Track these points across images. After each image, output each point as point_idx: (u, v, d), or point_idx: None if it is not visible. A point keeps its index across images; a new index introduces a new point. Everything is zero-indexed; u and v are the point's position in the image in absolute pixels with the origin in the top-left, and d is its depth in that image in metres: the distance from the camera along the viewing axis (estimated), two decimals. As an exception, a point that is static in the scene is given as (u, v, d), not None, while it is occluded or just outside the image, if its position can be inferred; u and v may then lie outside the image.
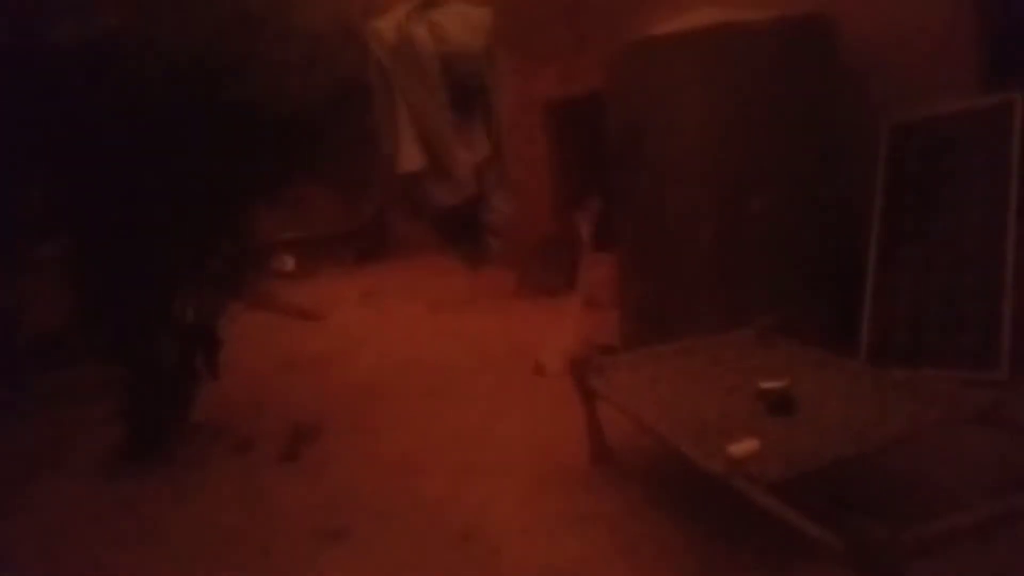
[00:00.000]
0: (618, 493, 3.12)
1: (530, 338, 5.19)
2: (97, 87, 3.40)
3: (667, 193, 4.06)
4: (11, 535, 3.30)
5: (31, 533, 3.32)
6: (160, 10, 3.48)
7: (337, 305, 6.91)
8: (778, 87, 3.89)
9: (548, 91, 6.45)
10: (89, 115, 3.51)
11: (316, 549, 2.96)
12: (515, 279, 6.56)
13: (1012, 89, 3.72)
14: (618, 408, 3.09)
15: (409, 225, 8.37)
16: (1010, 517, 2.05)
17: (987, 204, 3.71)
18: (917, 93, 4.07)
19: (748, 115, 3.89)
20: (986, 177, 3.74)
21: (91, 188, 3.79)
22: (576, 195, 5.65)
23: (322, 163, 4.55)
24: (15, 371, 4.91)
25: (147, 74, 3.42)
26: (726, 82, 3.90)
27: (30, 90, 3.42)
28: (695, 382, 3.07)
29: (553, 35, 6.62)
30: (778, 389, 2.78)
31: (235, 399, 4.50)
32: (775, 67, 3.89)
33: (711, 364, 3.22)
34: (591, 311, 5.13)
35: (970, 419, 2.58)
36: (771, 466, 2.30)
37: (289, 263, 8.06)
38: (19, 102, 3.44)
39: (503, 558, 2.78)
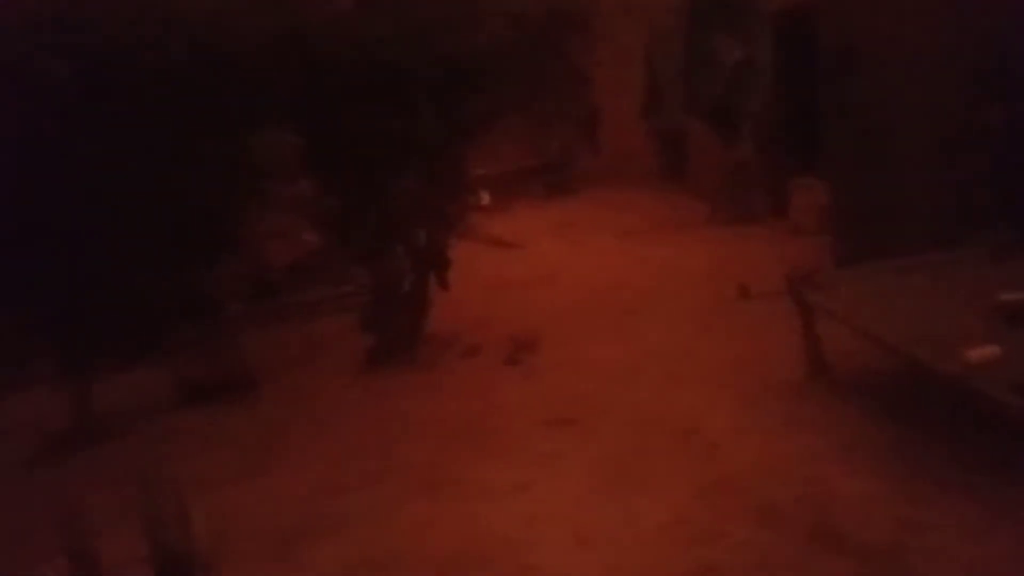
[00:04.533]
0: (833, 402, 3.30)
1: (730, 263, 5.32)
2: (347, 53, 3.98)
3: (889, 106, 3.99)
4: (285, 417, 4.07)
5: (302, 416, 4.08)
6: None
7: (532, 236, 7.39)
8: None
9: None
10: (341, 76, 4.10)
11: (547, 434, 3.43)
12: (709, 207, 6.63)
13: None
14: (840, 322, 3.23)
15: (597, 158, 8.64)
16: None
17: None
18: None
19: (982, 17, 3.69)
20: None
21: (340, 136, 4.42)
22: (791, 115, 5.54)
23: (526, 101, 4.93)
24: (272, 290, 5.84)
25: (388, 36, 3.96)
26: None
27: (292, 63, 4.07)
28: (925, 296, 3.13)
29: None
30: (1019, 300, 2.78)
31: (458, 315, 5.09)
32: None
33: (940, 279, 3.26)
34: (798, 236, 5.15)
35: None
36: (1013, 369, 2.37)
37: (485, 197, 8.63)
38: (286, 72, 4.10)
39: (722, 451, 3.10)
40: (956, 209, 3.83)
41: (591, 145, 8.59)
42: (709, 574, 2.45)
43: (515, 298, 5.60)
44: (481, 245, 7.03)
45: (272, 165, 4.65)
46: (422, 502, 3.07)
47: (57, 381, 4.10)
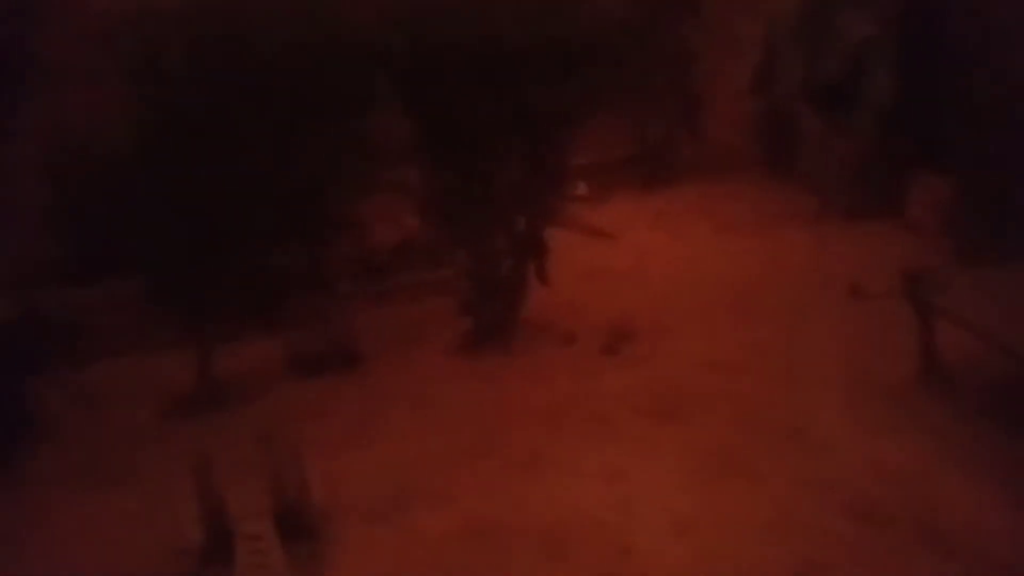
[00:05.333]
0: (947, 407, 3.20)
1: (840, 260, 5.17)
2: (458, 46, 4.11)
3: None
4: (388, 392, 4.26)
5: (404, 391, 4.27)
6: None
7: (629, 226, 7.35)
8: None
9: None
10: (451, 60, 4.24)
11: (646, 423, 3.48)
12: (820, 200, 6.41)
13: None
14: (965, 326, 3.11)
15: (699, 148, 8.50)
16: None
17: None
18: None
19: None
20: None
21: (447, 121, 4.56)
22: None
23: (631, 87, 4.93)
24: (376, 270, 6.08)
25: (499, 19, 4.07)
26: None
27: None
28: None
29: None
30: None
31: (553, 302, 5.17)
32: None
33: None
34: (916, 233, 4.95)
35: None
36: None
37: (581, 187, 8.64)
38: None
39: (828, 450, 3.07)
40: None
41: (693, 134, 8.45)
42: (810, 571, 2.45)
43: (611, 288, 5.63)
44: (577, 234, 7.07)
45: (380, 149, 4.86)
46: (521, 480, 3.19)
47: (182, 346, 4.45)
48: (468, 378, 4.36)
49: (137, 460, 3.68)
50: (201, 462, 2.83)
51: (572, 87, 4.48)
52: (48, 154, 3.97)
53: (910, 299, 3.34)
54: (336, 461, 3.49)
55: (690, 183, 8.82)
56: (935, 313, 3.26)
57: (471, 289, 4.90)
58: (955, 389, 3.30)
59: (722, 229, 6.74)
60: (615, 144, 9.14)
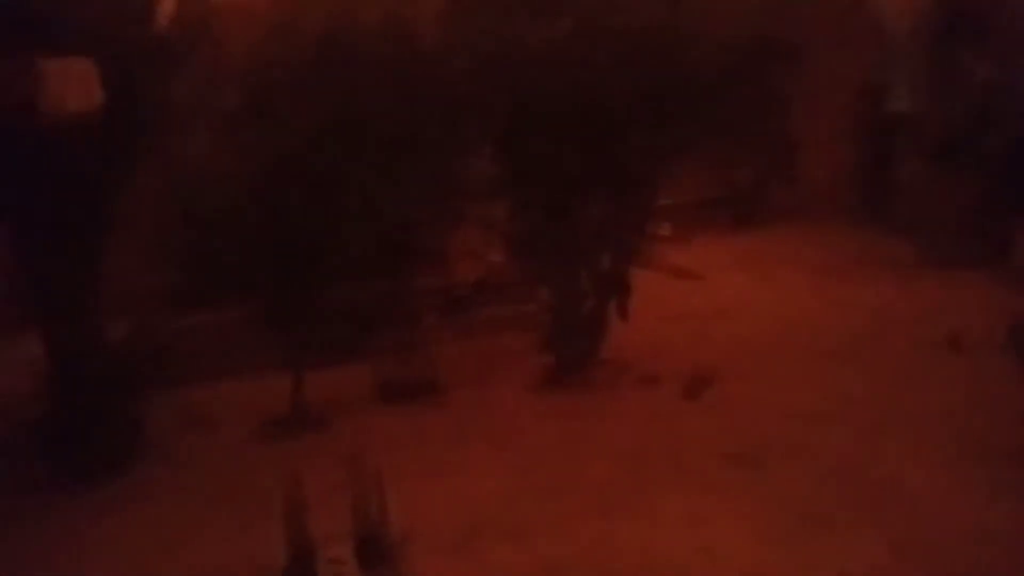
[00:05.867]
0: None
1: (938, 309, 4.95)
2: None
3: None
4: (469, 424, 4.33)
5: (484, 424, 4.33)
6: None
7: (716, 268, 7.26)
8: None
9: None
10: (546, 103, 4.36)
11: (728, 470, 3.40)
12: (918, 246, 6.16)
13: None
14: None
15: (791, 190, 8.34)
16: None
17: None
18: None
19: None
20: None
21: (537, 161, 4.66)
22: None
23: (722, 131, 4.91)
24: (460, 304, 6.21)
25: (597, 65, 4.16)
26: None
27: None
28: None
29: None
30: None
31: (634, 342, 5.15)
32: None
33: None
34: (1018, 284, 4.68)
35: None
36: None
37: (666, 227, 8.58)
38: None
39: (921, 510, 2.92)
40: None
41: (785, 176, 8.28)
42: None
43: (694, 330, 5.56)
44: (662, 274, 7.03)
45: (467, 185, 5.02)
46: (597, 520, 3.17)
47: (277, 371, 4.67)
48: (547, 415, 4.38)
49: (232, 479, 3.87)
50: (289, 484, 2.96)
51: (663, 134, 4.52)
52: (165, 188, 4.31)
53: (1015, 352, 3.16)
54: (415, 490, 3.56)
55: (780, 227, 8.64)
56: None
57: (552, 325, 4.95)
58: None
59: (812, 274, 6.56)
60: (702, 185, 9.07)
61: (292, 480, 2.97)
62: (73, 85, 3.78)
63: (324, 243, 4.36)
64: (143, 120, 4.25)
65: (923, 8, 5.38)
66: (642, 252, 5.39)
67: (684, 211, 9.03)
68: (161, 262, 4.59)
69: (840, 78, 7.27)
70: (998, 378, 3.32)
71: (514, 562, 2.97)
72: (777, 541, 2.87)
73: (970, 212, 5.71)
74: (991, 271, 5.37)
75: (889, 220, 7.12)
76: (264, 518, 3.08)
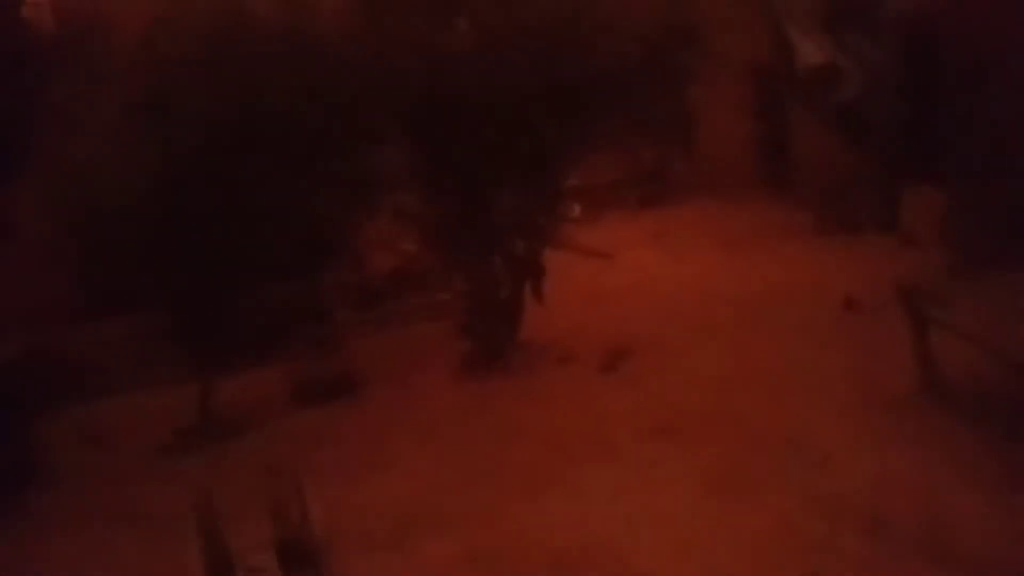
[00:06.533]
0: (946, 417, 3.22)
1: (835, 274, 5.20)
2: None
3: (1019, 116, 3.82)
4: (390, 419, 4.27)
5: (405, 418, 4.27)
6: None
7: (625, 246, 7.38)
8: None
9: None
10: (455, 100, 4.30)
11: (647, 441, 3.48)
12: (815, 215, 6.45)
13: None
14: (960, 337, 3.13)
15: (692, 169, 8.58)
16: None
17: None
18: None
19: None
20: None
21: (448, 152, 4.60)
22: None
23: (629, 118, 4.98)
24: (375, 297, 6.10)
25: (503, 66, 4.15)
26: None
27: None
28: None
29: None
30: None
31: (551, 323, 5.19)
32: None
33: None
34: (909, 247, 4.98)
35: None
36: None
37: (575, 209, 8.66)
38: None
39: (830, 463, 3.07)
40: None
41: (687, 154, 8.51)
42: (817, 585, 2.44)
43: (609, 307, 5.65)
44: (573, 255, 7.10)
45: (381, 178, 4.91)
46: (525, 503, 3.18)
47: (184, 379, 4.45)
48: (468, 402, 4.36)
49: (139, 497, 3.67)
50: (201, 497, 2.82)
51: (569, 119, 4.54)
52: (56, 193, 4.01)
53: (905, 311, 3.36)
54: (339, 490, 3.47)
55: (686, 202, 8.88)
56: (930, 325, 3.28)
57: (469, 312, 4.92)
58: (954, 399, 3.31)
59: (718, 246, 6.77)
60: (610, 166, 9.19)
61: (203, 492, 2.83)
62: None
63: (229, 244, 4.17)
64: (24, 120, 3.94)
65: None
66: (554, 234, 5.43)
67: (593, 192, 9.14)
68: (55, 273, 4.31)
69: (735, 59, 7.51)
70: (889, 334, 3.51)
71: (446, 553, 2.94)
72: (698, 506, 2.95)
73: (861, 181, 6.03)
74: (882, 235, 5.68)
75: (788, 191, 7.43)
76: (175, 536, 2.92)
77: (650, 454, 3.39)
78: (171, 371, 4.63)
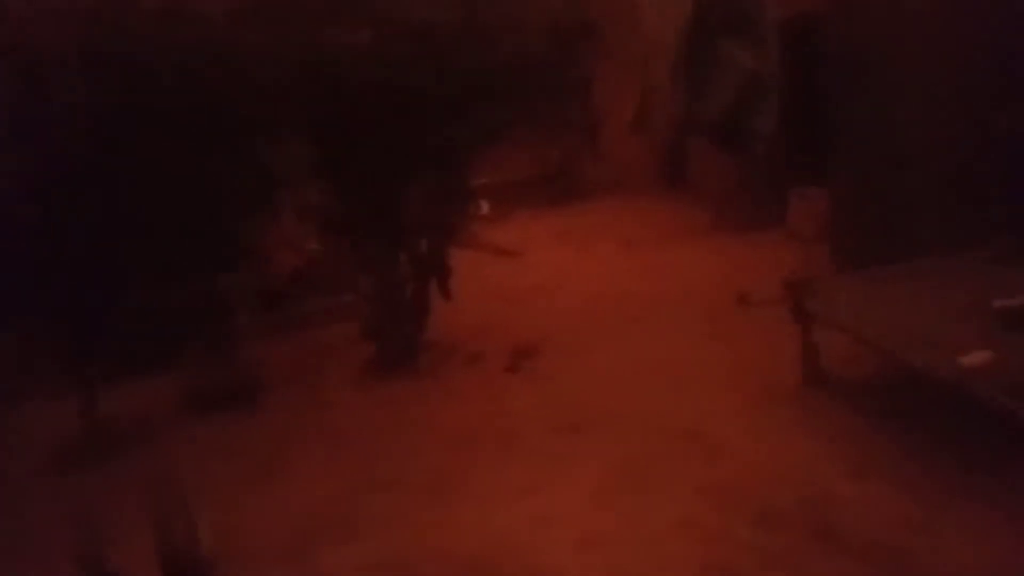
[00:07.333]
0: (833, 407, 3.37)
1: (730, 271, 5.40)
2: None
3: (896, 115, 4.05)
4: (291, 425, 4.14)
5: (307, 424, 4.15)
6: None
7: (533, 244, 7.44)
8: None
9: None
10: (356, 94, 4.18)
11: (552, 439, 3.50)
12: (712, 215, 6.69)
13: None
14: (837, 329, 3.30)
15: (598, 167, 8.71)
16: None
17: None
18: None
19: (994, 26, 3.77)
20: None
21: (350, 147, 4.48)
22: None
23: (532, 113, 5.00)
24: (275, 299, 5.88)
25: (403, 60, 4.06)
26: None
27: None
28: (922, 302, 3.20)
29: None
30: (1015, 306, 2.85)
31: (458, 323, 5.15)
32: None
33: (938, 285, 3.32)
34: (796, 244, 5.22)
35: None
36: (1007, 373, 2.43)
37: (484, 206, 8.66)
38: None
39: (724, 455, 3.17)
40: (961, 218, 3.88)
41: (592, 154, 8.65)
42: (713, 574, 2.51)
43: (516, 306, 5.67)
44: (481, 254, 7.08)
45: (282, 174, 4.73)
46: (430, 507, 3.13)
47: (64, 391, 4.15)
48: (373, 405, 4.27)
49: (12, 521, 3.38)
50: (79, 517, 2.63)
51: (476, 119, 4.51)
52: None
53: (790, 306, 3.51)
54: (237, 502, 3.33)
55: (591, 201, 9.03)
56: (813, 318, 3.43)
57: (374, 313, 4.81)
58: (839, 390, 3.48)
59: (622, 245, 6.92)
60: (518, 164, 9.23)
61: (82, 511, 2.64)
62: None
63: (114, 245, 3.91)
64: None
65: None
66: (462, 232, 5.39)
67: (501, 190, 9.16)
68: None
69: (635, 62, 7.70)
70: (778, 329, 3.66)
71: (349, 563, 2.86)
72: (604, 502, 2.99)
73: (748, 182, 6.29)
74: (773, 233, 5.94)
75: (688, 192, 7.68)
76: (49, 563, 2.71)
77: (555, 452, 3.41)
78: (52, 383, 4.31)
